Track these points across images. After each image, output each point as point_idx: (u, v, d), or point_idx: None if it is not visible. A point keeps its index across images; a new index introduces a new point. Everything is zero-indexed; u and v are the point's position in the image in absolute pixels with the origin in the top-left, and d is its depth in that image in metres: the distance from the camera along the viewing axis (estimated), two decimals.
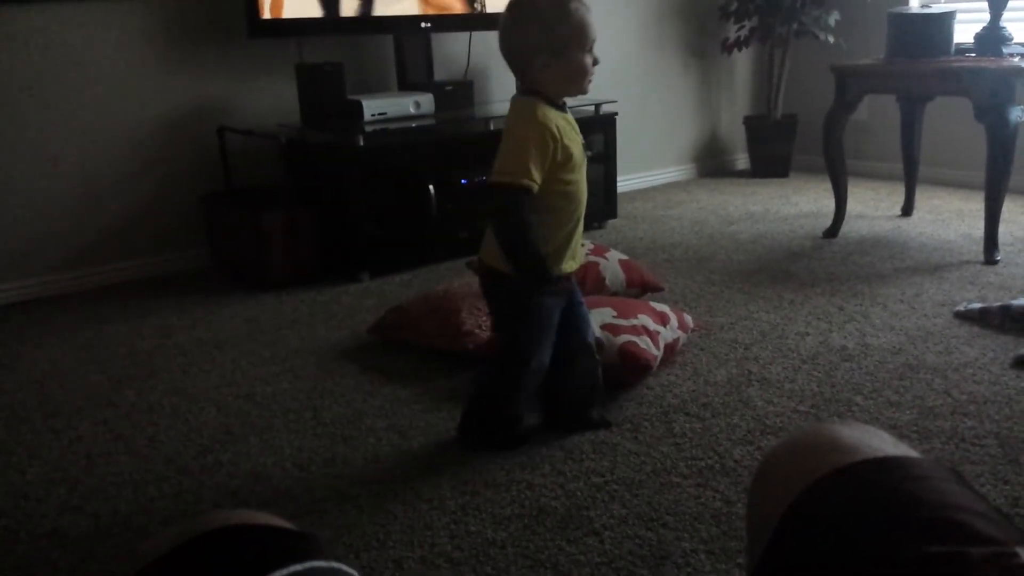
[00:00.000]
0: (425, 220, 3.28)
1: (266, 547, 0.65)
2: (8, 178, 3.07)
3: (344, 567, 0.66)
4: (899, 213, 3.85)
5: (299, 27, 3.31)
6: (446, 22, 3.64)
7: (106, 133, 3.23)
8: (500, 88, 4.07)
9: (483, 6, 3.70)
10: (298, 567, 0.62)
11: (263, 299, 3.02)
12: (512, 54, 1.72)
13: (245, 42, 3.29)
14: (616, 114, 3.81)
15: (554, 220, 1.78)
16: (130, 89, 3.25)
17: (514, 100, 1.76)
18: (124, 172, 3.29)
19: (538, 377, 1.88)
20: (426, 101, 3.44)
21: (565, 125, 1.75)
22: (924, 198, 4.03)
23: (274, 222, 3.09)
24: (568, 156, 1.74)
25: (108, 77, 3.20)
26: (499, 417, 1.91)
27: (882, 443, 0.75)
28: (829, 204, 3.63)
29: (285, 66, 3.40)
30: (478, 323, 2.35)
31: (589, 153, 1.92)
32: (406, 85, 3.60)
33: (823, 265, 3.16)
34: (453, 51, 3.87)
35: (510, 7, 1.72)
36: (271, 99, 3.49)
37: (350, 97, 3.35)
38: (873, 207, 4.00)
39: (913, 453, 0.75)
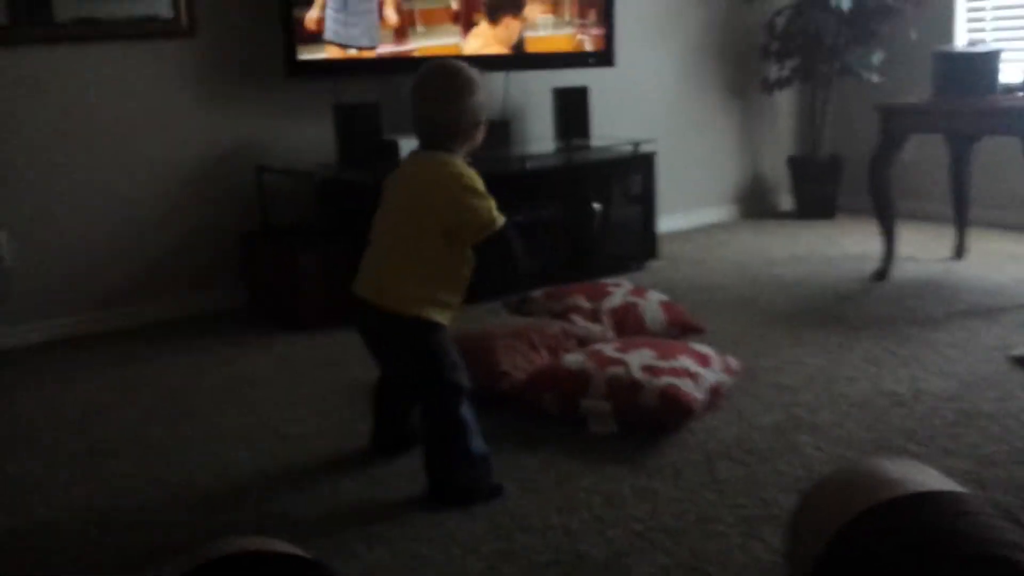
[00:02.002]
0: None
1: (279, 573, 0.63)
2: (48, 215, 3.10)
3: None
4: (950, 256, 3.74)
5: (336, 67, 3.33)
6: (483, 62, 3.62)
7: (145, 171, 3.25)
8: (536, 127, 4.05)
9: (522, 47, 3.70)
10: None
11: (297, 338, 2.99)
12: (455, 121, 1.83)
13: (283, 82, 3.31)
14: (655, 153, 3.77)
15: (465, 273, 1.90)
16: (170, 128, 3.28)
17: (437, 160, 1.84)
18: (162, 210, 3.30)
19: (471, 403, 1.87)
20: None
21: None
22: (975, 240, 3.92)
23: (309, 261, 3.07)
24: None
25: (150, 115, 3.24)
26: (468, 459, 1.83)
27: (928, 478, 0.70)
28: (877, 246, 3.54)
29: (323, 106, 3.42)
30: (514, 363, 2.30)
31: None
32: None
33: (872, 308, 3.07)
34: (488, 91, 3.87)
35: (448, 75, 1.85)
36: (309, 139, 3.50)
37: (387, 137, 3.34)
38: (923, 249, 3.90)
39: (961, 489, 0.70)
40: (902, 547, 0.65)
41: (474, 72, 1.87)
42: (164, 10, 3.19)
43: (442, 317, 1.84)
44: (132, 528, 1.78)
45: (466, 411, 1.84)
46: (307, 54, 3.23)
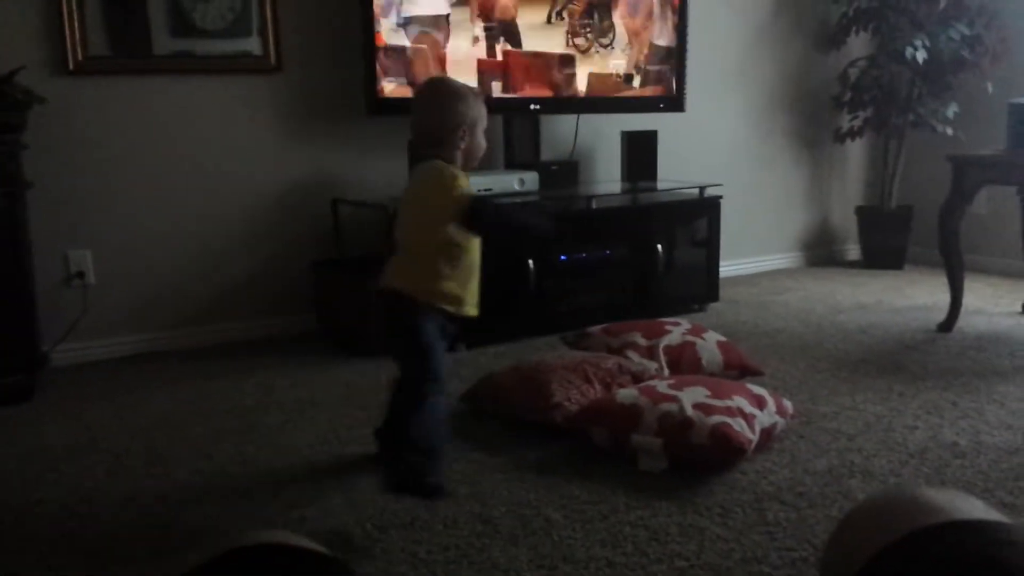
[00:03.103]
0: (523, 294, 3.30)
1: (297, 564, 0.66)
2: (132, 237, 3.26)
3: None
4: (1020, 310, 3.66)
5: None
6: (555, 105, 3.71)
7: (227, 199, 3.40)
8: (604, 169, 4.11)
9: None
10: None
11: (363, 364, 3.07)
12: (439, 127, 1.97)
13: (363, 119, 3.43)
14: (721, 197, 3.79)
15: (465, 267, 2.02)
16: (253, 159, 3.42)
17: (430, 164, 1.97)
18: (241, 237, 3.44)
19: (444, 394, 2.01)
20: (531, 179, 3.50)
21: None
22: None
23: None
24: None
25: (234, 146, 3.39)
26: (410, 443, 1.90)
27: (973, 507, 0.70)
28: (945, 298, 3.49)
29: (399, 142, 3.52)
30: (567, 396, 2.33)
31: None
32: (513, 163, 3.68)
33: (936, 359, 3.02)
34: (560, 132, 3.94)
35: (433, 88, 2.05)
36: (383, 172, 3.61)
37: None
38: (992, 303, 3.82)
39: (1006, 519, 0.70)
40: (941, 574, 0.65)
41: (462, 85, 2.02)
42: (255, 47, 3.36)
43: (446, 304, 1.99)
44: (187, 538, 1.84)
45: (424, 399, 1.93)
46: (388, 92, 3.34)
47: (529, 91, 3.61)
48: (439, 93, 2.00)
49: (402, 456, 1.89)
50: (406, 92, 3.35)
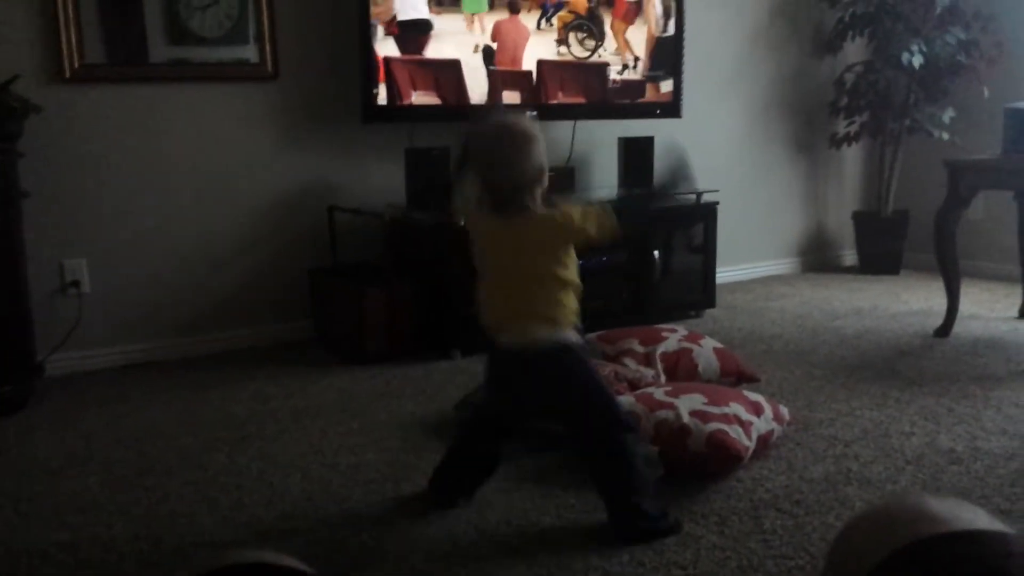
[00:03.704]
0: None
1: None
2: (127, 245, 3.25)
3: None
4: (1016, 315, 3.66)
5: (411, 113, 3.44)
6: (551, 111, 3.71)
7: (223, 207, 3.39)
8: (601, 174, 4.11)
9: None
10: None
11: (359, 372, 3.06)
12: (527, 174, 1.85)
13: (359, 126, 3.43)
14: (717, 203, 3.79)
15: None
16: (249, 166, 3.42)
17: (541, 215, 1.87)
18: (236, 245, 3.43)
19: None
20: None
21: None
22: None
23: (374, 298, 3.15)
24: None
25: (230, 153, 3.38)
26: (645, 496, 1.85)
27: (976, 517, 0.70)
28: (941, 303, 3.49)
29: (395, 149, 3.52)
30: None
31: None
32: None
33: (932, 364, 3.02)
34: (557, 138, 3.94)
35: (511, 134, 1.87)
36: (380, 180, 3.61)
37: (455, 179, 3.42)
38: (988, 308, 3.82)
39: (1010, 530, 0.69)
40: None
41: (529, 124, 1.91)
42: (252, 55, 3.35)
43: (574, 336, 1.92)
44: (179, 551, 1.84)
45: (626, 444, 1.87)
46: (384, 99, 3.34)
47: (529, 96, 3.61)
48: (520, 140, 1.87)
49: (639, 510, 1.84)
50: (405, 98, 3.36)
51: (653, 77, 3.91)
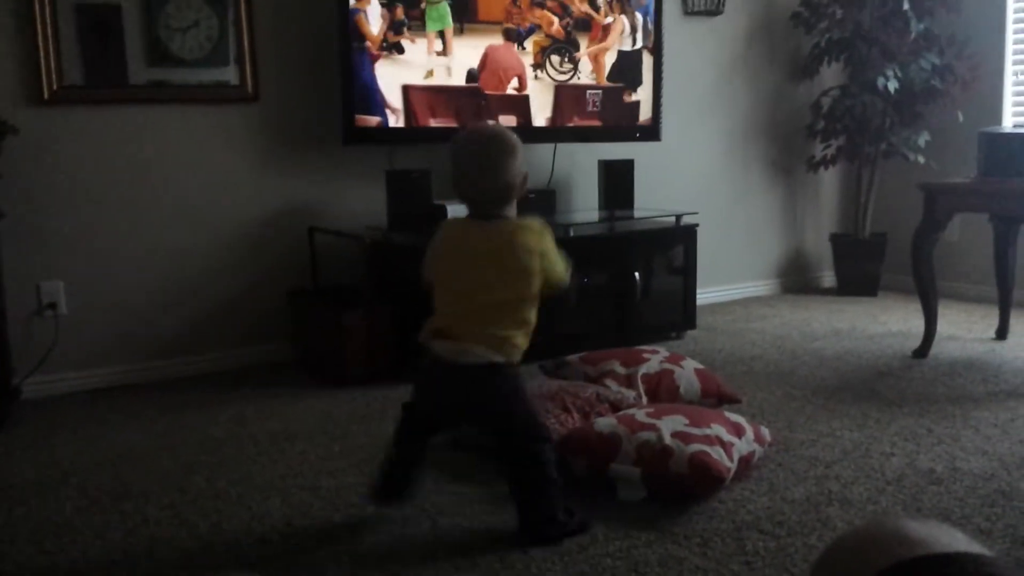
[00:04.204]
0: None
1: None
2: (105, 267, 3.23)
3: None
4: (993, 336, 3.70)
5: (391, 135, 3.44)
6: (532, 133, 3.73)
7: (202, 229, 3.38)
8: (582, 197, 4.13)
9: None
10: None
11: (338, 394, 3.05)
12: (507, 181, 1.91)
13: (339, 148, 3.43)
14: (697, 226, 3.81)
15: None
16: (228, 187, 3.41)
17: (524, 222, 1.95)
18: (216, 266, 3.42)
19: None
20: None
21: None
22: (1020, 321, 3.88)
23: (354, 320, 3.14)
24: None
25: (209, 175, 3.37)
26: (556, 503, 1.92)
27: (953, 540, 0.70)
28: (919, 324, 3.52)
29: (376, 171, 3.52)
30: (546, 425, 2.31)
31: None
32: None
33: (911, 385, 3.04)
34: (538, 161, 3.96)
35: (492, 143, 1.92)
36: (361, 202, 3.61)
37: (436, 202, 3.43)
38: (966, 329, 3.86)
39: (989, 552, 0.69)
40: None
41: (511, 134, 1.95)
42: (232, 76, 3.35)
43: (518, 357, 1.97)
44: (157, 573, 1.81)
45: (546, 459, 1.93)
46: (364, 122, 3.35)
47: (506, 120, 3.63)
48: (501, 150, 1.90)
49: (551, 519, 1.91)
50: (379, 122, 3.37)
51: (632, 102, 3.94)
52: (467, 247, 1.94)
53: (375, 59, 3.32)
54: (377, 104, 3.36)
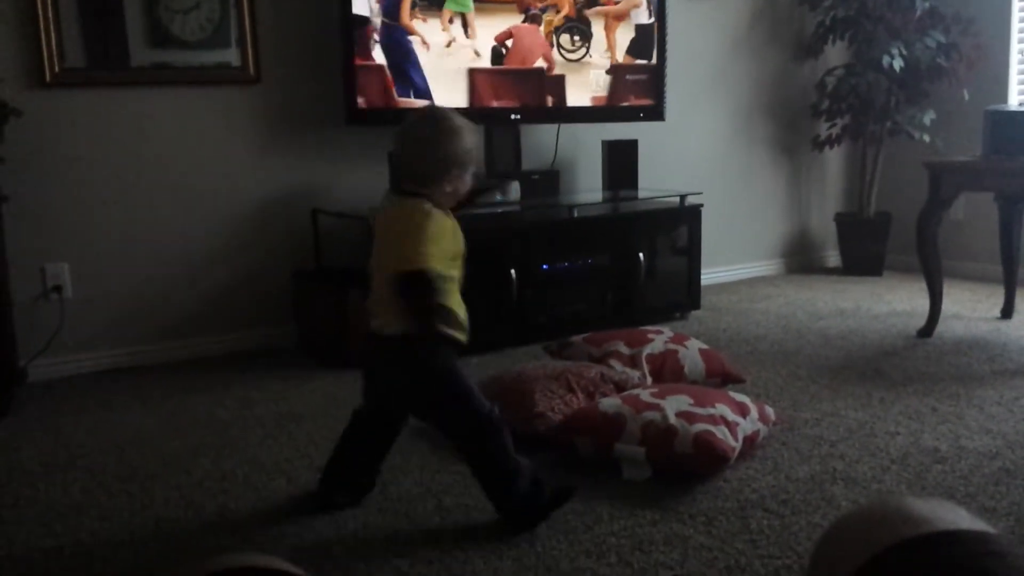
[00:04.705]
0: (505, 304, 3.30)
1: None
2: (109, 249, 3.23)
3: None
4: (998, 315, 3.69)
5: (395, 116, 3.43)
6: (536, 114, 3.72)
7: (206, 211, 3.37)
8: (586, 178, 4.12)
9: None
10: None
11: (344, 376, 3.05)
12: (432, 165, 1.85)
13: (342, 129, 3.42)
14: (701, 206, 3.80)
15: (454, 295, 1.89)
16: (231, 169, 3.40)
17: (404, 201, 1.86)
18: (221, 249, 3.42)
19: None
20: (512, 188, 3.50)
21: (454, 226, 1.89)
22: None
23: (357, 301, 3.14)
24: (456, 253, 1.89)
25: (213, 157, 3.36)
26: (520, 488, 1.86)
27: (957, 517, 0.70)
28: (924, 304, 3.51)
29: (378, 152, 3.51)
30: (551, 406, 2.32)
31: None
32: (494, 173, 3.67)
33: (916, 364, 3.04)
34: (542, 141, 3.95)
35: (432, 121, 1.87)
36: (364, 183, 3.60)
37: None
38: (971, 308, 3.86)
39: (992, 530, 0.69)
40: None
41: (460, 120, 1.88)
42: (234, 58, 3.34)
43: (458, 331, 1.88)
44: (163, 557, 1.82)
45: (493, 447, 1.87)
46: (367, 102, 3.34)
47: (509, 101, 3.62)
48: (439, 129, 1.85)
49: (510, 495, 1.86)
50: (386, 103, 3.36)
51: (637, 80, 3.92)
52: (379, 221, 1.93)
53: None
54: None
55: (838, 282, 4.56)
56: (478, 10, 3.50)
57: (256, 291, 3.49)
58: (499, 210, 3.40)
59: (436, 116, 1.90)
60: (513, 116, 3.63)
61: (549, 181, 3.81)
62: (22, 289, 3.03)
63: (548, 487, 1.90)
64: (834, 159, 4.99)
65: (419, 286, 1.78)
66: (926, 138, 4.40)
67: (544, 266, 3.40)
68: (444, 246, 1.84)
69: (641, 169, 3.96)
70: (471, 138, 1.89)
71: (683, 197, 3.78)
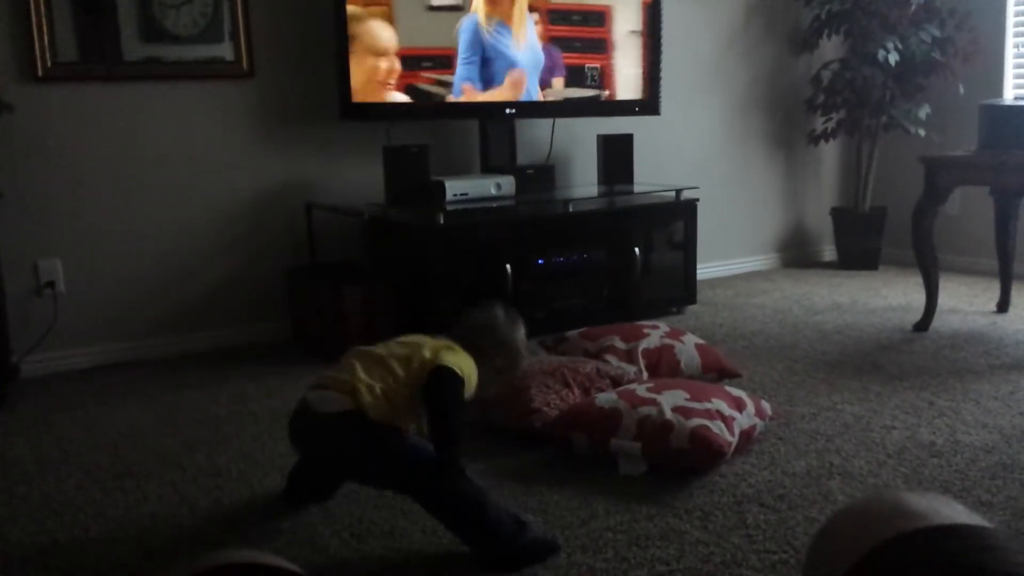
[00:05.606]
0: (500, 299, 3.28)
1: None
2: (102, 244, 3.21)
3: None
4: (994, 309, 3.69)
5: (388, 111, 3.42)
6: (530, 109, 3.71)
7: (199, 206, 3.36)
8: (580, 173, 4.11)
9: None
10: None
11: None
12: (490, 338, 2.00)
13: (336, 124, 3.41)
14: (697, 200, 3.79)
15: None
16: (225, 164, 3.39)
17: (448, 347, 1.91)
18: (215, 244, 3.40)
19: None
20: (507, 183, 3.49)
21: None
22: (1021, 294, 3.87)
23: (353, 297, 3.13)
24: None
25: (206, 152, 3.35)
26: (504, 535, 1.72)
27: (954, 512, 0.70)
28: (920, 298, 3.51)
29: (373, 147, 3.50)
30: (546, 401, 2.32)
31: None
32: (489, 168, 3.66)
33: (912, 358, 3.03)
34: (537, 136, 3.94)
35: (507, 321, 2.06)
36: (358, 178, 3.59)
37: (434, 178, 3.42)
38: (967, 302, 3.86)
39: (988, 524, 0.69)
40: None
41: (524, 343, 2.07)
42: (227, 53, 3.32)
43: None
44: (158, 553, 1.82)
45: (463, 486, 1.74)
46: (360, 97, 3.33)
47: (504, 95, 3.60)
48: (507, 327, 2.04)
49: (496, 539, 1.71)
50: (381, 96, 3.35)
51: (632, 75, 3.91)
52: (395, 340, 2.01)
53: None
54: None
55: (834, 276, 4.56)
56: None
57: (250, 286, 3.48)
58: (493, 205, 3.39)
59: (511, 322, 2.08)
60: (508, 110, 3.62)
61: (544, 176, 3.80)
62: (15, 284, 3.01)
63: (532, 534, 1.76)
64: (829, 153, 4.99)
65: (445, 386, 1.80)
66: (921, 132, 4.40)
67: (539, 261, 3.39)
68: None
69: (637, 164, 3.95)
70: (516, 357, 2.04)
71: (679, 192, 3.77)
